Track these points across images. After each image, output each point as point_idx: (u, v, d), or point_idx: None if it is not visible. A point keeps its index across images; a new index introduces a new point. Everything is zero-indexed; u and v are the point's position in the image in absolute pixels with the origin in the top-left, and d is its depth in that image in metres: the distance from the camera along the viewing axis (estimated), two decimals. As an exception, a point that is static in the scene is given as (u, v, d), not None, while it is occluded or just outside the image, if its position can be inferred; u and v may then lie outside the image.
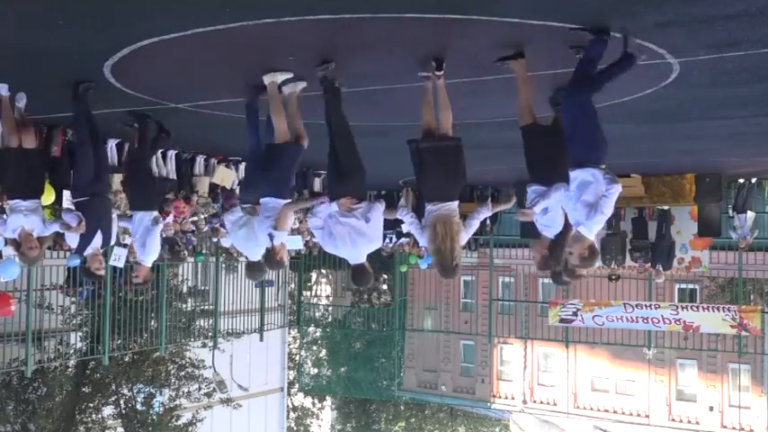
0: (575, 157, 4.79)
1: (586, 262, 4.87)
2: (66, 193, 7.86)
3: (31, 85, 6.22)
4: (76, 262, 10.59)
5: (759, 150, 10.46)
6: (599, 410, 22.24)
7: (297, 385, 25.48)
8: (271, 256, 5.66)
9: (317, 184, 12.17)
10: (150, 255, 6.83)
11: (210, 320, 16.55)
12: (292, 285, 22.43)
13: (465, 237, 4.99)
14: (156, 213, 7.06)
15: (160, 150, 9.41)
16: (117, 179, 8.38)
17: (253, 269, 6.16)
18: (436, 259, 4.92)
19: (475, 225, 5.09)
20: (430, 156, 5.11)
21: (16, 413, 13.49)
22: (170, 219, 10.02)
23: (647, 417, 21.59)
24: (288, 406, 24.54)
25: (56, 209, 8.17)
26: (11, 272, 8.95)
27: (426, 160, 5.11)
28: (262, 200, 5.73)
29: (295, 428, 27.42)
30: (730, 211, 14.16)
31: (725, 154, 11.07)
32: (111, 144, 8.66)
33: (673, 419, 21.32)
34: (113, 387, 14.88)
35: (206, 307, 16.91)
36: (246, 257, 6.19)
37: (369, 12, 4.47)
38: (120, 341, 14.04)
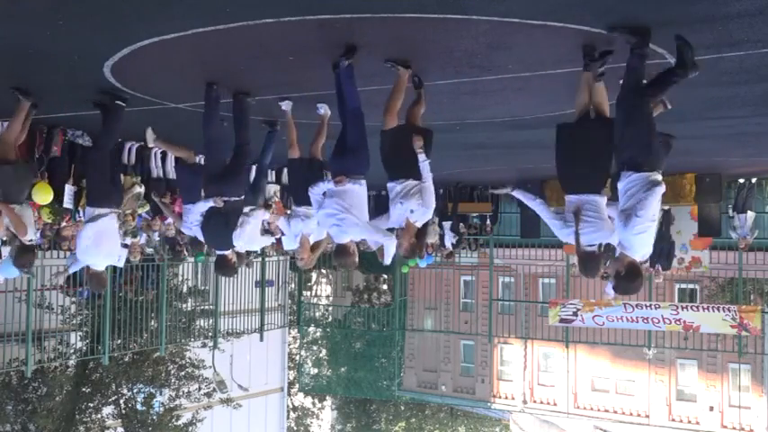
0: None
1: None
2: (68, 189, 7.84)
3: (31, 85, 6.20)
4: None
5: (759, 150, 10.45)
6: (599, 410, 22.21)
7: (297, 385, 25.49)
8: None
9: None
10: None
11: (210, 320, 16.54)
12: (292, 285, 22.43)
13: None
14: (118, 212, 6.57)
15: (159, 151, 9.41)
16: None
17: None
18: None
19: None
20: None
21: (16, 413, 13.49)
22: (170, 219, 10.00)
23: (648, 417, 21.57)
24: (288, 406, 24.53)
25: (55, 208, 8.18)
26: (10, 271, 8.91)
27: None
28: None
29: (295, 428, 27.45)
30: (730, 211, 14.16)
31: (725, 154, 11.06)
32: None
33: (673, 419, 21.30)
34: (113, 387, 14.87)
35: (206, 307, 16.90)
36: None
37: (369, 12, 4.47)
38: (120, 341, 14.03)
